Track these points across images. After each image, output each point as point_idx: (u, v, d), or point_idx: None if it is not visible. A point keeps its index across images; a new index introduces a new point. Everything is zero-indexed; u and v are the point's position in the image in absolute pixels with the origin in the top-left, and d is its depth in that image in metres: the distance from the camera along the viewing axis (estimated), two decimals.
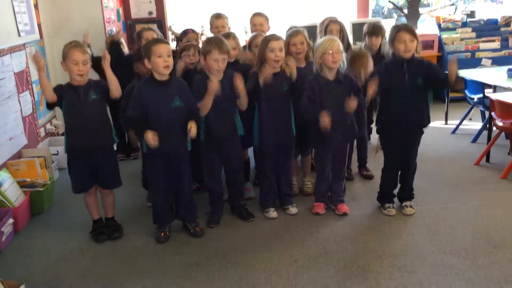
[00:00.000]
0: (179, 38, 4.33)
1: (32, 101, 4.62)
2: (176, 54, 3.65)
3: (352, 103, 3.19)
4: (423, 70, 3.19)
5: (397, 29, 3.17)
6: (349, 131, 3.39)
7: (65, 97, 3.05)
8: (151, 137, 2.91)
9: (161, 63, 2.96)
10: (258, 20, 4.21)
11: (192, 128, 2.97)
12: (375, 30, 4.28)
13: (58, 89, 3.06)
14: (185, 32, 4.22)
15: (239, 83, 3.16)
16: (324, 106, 3.23)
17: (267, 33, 3.95)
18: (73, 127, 3.10)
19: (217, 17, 4.30)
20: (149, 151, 3.07)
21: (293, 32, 3.54)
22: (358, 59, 3.61)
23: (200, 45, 3.63)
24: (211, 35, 4.16)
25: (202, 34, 6.00)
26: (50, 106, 3.12)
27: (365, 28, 4.44)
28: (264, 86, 3.27)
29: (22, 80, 4.44)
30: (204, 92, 3.08)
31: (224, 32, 3.82)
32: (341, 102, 3.22)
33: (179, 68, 3.50)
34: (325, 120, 3.12)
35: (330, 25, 4.13)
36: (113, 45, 4.62)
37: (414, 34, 3.15)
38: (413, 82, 3.19)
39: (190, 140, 3.14)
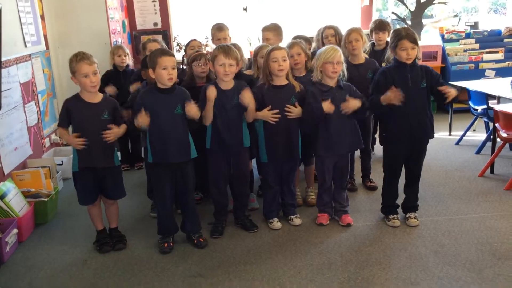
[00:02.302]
0: (184, 50, 4.38)
1: (37, 111, 4.65)
2: (186, 64, 3.71)
3: (351, 103, 3.22)
4: (425, 74, 3.22)
5: (398, 37, 3.19)
6: (353, 138, 3.40)
7: (76, 115, 3.06)
8: (143, 114, 2.95)
9: (166, 76, 3.00)
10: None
11: (190, 107, 3.02)
12: (382, 25, 4.43)
13: (65, 121, 3.09)
14: (188, 43, 4.27)
15: (246, 96, 3.18)
16: (327, 115, 3.26)
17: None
18: (83, 151, 3.07)
19: (218, 28, 4.35)
20: (154, 160, 3.10)
21: (290, 44, 3.59)
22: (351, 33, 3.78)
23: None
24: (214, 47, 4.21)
25: (206, 45, 6.06)
26: None
27: (371, 24, 4.59)
28: (272, 100, 3.30)
29: (28, 90, 4.48)
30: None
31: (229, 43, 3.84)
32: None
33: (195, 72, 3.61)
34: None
35: (326, 31, 4.23)
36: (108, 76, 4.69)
37: (415, 41, 3.18)
38: (416, 86, 3.21)
39: (194, 148, 3.17)
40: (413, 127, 3.24)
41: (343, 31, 4.12)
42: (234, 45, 3.71)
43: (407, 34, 3.19)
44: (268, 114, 3.28)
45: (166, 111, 3.06)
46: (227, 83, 3.24)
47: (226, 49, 3.18)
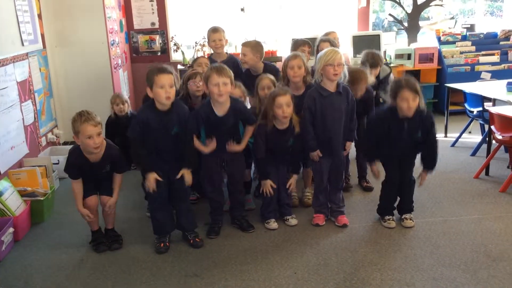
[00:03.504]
0: (191, 66, 4.35)
1: (34, 110, 4.65)
2: (183, 83, 3.69)
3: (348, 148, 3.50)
4: (422, 123, 3.21)
5: (399, 87, 3.11)
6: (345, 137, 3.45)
7: (79, 171, 3.13)
8: (152, 181, 3.05)
9: (163, 94, 2.96)
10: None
11: (186, 176, 3.13)
12: (373, 63, 4.17)
13: (76, 175, 3.14)
14: (196, 60, 4.26)
15: (234, 147, 3.30)
16: (324, 117, 3.29)
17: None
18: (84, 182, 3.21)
19: (213, 30, 4.37)
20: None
21: (292, 55, 3.56)
22: (357, 78, 3.67)
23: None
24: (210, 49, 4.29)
25: (203, 45, 6.07)
26: None
27: (362, 57, 4.30)
28: (272, 141, 3.34)
29: (25, 89, 4.47)
30: (200, 119, 3.18)
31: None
32: (341, 113, 3.32)
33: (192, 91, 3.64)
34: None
35: (321, 45, 4.19)
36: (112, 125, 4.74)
37: (417, 91, 3.10)
38: (411, 137, 3.24)
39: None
40: (400, 159, 3.37)
41: (341, 35, 4.15)
42: (236, 83, 3.68)
43: (408, 84, 3.10)
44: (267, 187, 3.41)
45: (163, 132, 3.06)
46: (222, 106, 3.18)
47: (218, 68, 3.12)
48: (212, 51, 4.51)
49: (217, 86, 3.08)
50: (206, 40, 5.45)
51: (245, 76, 4.10)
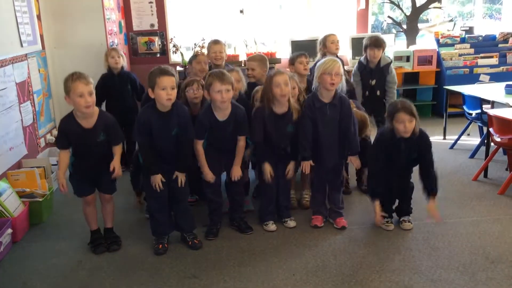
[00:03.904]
0: (189, 62, 4.36)
1: (33, 111, 4.64)
2: (180, 90, 3.68)
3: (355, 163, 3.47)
4: (419, 145, 3.25)
5: (396, 109, 3.17)
6: (342, 153, 3.44)
7: (72, 140, 3.06)
8: (158, 181, 3.09)
9: (164, 96, 2.97)
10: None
11: (179, 178, 3.17)
12: (378, 43, 4.41)
13: (65, 144, 3.08)
14: (195, 56, 4.27)
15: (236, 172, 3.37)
16: (316, 128, 3.32)
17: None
18: (79, 164, 3.16)
19: (214, 42, 4.42)
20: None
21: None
22: (364, 123, 3.80)
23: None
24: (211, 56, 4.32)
25: (202, 46, 6.07)
26: None
27: (365, 40, 4.55)
28: (270, 127, 3.32)
29: (24, 90, 4.47)
30: (205, 127, 3.23)
31: (228, 68, 3.87)
32: (334, 126, 3.33)
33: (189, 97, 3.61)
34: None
35: (331, 37, 4.38)
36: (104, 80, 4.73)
37: (413, 114, 3.14)
38: (408, 157, 3.30)
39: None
40: (396, 184, 3.42)
41: (340, 37, 4.22)
42: (233, 68, 3.70)
43: (404, 107, 3.16)
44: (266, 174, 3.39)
45: (163, 133, 3.08)
46: (224, 111, 3.21)
47: (220, 75, 3.13)
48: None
49: (220, 93, 3.11)
50: (205, 41, 5.47)
51: (249, 87, 4.07)
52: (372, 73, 4.53)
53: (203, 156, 3.27)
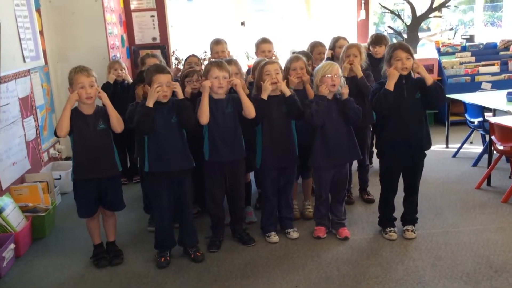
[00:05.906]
0: (182, 65, 4.44)
1: (36, 126, 4.67)
2: (179, 81, 3.73)
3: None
4: (420, 86, 3.24)
5: (393, 48, 3.26)
6: (350, 147, 3.42)
7: (74, 126, 3.08)
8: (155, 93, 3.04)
9: (161, 93, 3.05)
10: (266, 47, 4.39)
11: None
12: (378, 40, 4.54)
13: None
14: (186, 58, 4.32)
15: (238, 88, 3.24)
16: (324, 125, 3.31)
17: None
18: (82, 157, 3.12)
19: (216, 42, 4.46)
20: (151, 169, 3.14)
21: (294, 58, 3.61)
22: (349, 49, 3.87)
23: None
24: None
25: (204, 59, 6.11)
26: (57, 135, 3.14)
27: (368, 39, 4.75)
28: (265, 110, 3.32)
29: (27, 105, 4.50)
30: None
31: (226, 58, 3.89)
32: (340, 122, 3.35)
33: (187, 90, 3.60)
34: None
35: (340, 41, 4.46)
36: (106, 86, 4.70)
37: (410, 52, 3.23)
38: (412, 97, 3.25)
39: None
40: (408, 137, 3.27)
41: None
42: (231, 59, 3.75)
43: (401, 45, 3.28)
44: (266, 85, 3.31)
45: (163, 120, 3.11)
46: (219, 96, 3.28)
47: (219, 63, 3.28)
48: None
49: (217, 79, 3.21)
50: (207, 54, 5.50)
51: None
52: (378, 63, 4.51)
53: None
